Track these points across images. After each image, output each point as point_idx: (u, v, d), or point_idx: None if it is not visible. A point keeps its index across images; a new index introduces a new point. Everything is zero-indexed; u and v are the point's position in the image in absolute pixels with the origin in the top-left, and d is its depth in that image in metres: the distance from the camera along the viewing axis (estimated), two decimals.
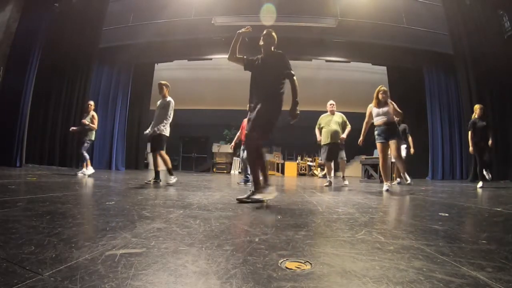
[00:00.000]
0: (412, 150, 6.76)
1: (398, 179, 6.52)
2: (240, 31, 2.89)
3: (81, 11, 8.49)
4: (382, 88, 4.39)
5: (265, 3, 9.06)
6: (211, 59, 11.26)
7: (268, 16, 9.07)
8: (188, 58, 11.32)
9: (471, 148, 5.50)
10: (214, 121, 15.12)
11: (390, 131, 4.32)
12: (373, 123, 4.51)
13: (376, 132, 4.39)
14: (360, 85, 13.18)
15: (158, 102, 4.51)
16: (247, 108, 4.48)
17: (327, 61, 10.95)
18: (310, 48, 9.94)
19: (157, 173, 4.45)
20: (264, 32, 2.88)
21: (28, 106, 7.42)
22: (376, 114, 4.37)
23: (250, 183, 5.09)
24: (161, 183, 4.37)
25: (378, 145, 4.39)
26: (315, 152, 13.86)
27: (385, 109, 4.33)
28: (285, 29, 9.50)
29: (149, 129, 4.42)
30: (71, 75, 8.70)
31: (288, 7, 9.22)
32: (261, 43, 2.87)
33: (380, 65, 11.18)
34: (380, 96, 4.32)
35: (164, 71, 12.42)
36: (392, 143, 4.34)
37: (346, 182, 5.46)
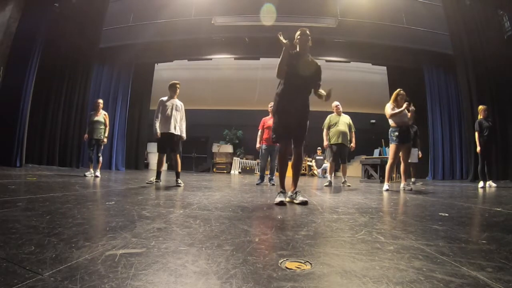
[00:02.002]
0: (420, 154, 6.83)
1: (413, 179, 6.59)
2: (285, 42, 2.69)
3: (81, 11, 8.48)
4: (402, 92, 4.47)
5: (265, 3, 9.06)
6: (211, 59, 11.27)
7: (268, 16, 9.07)
8: (188, 58, 11.32)
9: (478, 148, 5.51)
10: (214, 121, 15.11)
11: (407, 134, 4.45)
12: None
13: (395, 134, 4.40)
14: (360, 85, 13.19)
15: (168, 103, 4.38)
16: (270, 108, 4.56)
17: (327, 61, 10.94)
18: (310, 48, 9.92)
19: (159, 173, 4.46)
20: (303, 31, 2.89)
21: (28, 106, 7.41)
22: (400, 115, 4.41)
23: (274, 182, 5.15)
24: (161, 183, 4.37)
25: (394, 146, 4.43)
26: (315, 152, 13.85)
27: (405, 111, 4.43)
28: (285, 29, 9.50)
29: (158, 128, 4.31)
30: (71, 75, 8.70)
31: (288, 7, 9.21)
32: (302, 41, 2.86)
33: (380, 65, 11.18)
34: (399, 98, 4.42)
35: (164, 71, 12.42)
36: (407, 147, 4.49)
37: (349, 184, 5.47)
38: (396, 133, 4.38)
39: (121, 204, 2.21)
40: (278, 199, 2.52)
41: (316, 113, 3.23)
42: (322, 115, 5.76)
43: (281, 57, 2.65)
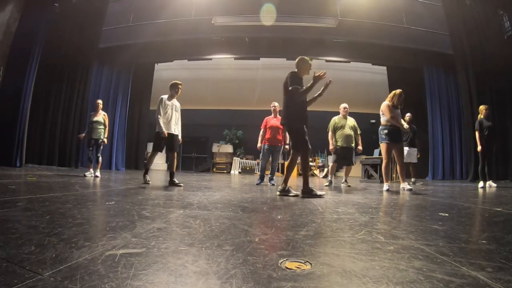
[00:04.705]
0: (418, 154, 6.84)
1: (413, 179, 6.61)
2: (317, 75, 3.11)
3: (81, 11, 8.49)
4: (402, 93, 4.44)
5: (265, 3, 9.06)
6: (211, 59, 11.28)
7: (268, 16, 9.07)
8: (188, 58, 11.34)
9: (479, 147, 5.47)
10: (214, 121, 15.11)
11: (398, 134, 4.40)
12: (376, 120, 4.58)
13: (384, 132, 4.37)
14: (360, 85, 13.19)
15: (169, 103, 4.34)
16: (272, 108, 5.47)
17: (327, 61, 10.95)
18: (310, 48, 9.94)
19: (147, 170, 4.47)
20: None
21: (28, 106, 7.41)
22: (395, 115, 4.39)
23: (273, 182, 5.24)
24: (160, 183, 4.36)
25: (385, 145, 4.39)
26: (315, 153, 13.86)
27: (397, 111, 4.43)
28: (285, 29, 9.51)
29: (164, 129, 4.23)
30: (71, 75, 8.70)
31: (288, 7, 9.22)
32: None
33: (380, 65, 11.19)
34: (397, 99, 4.39)
35: (164, 71, 12.42)
36: (399, 147, 4.45)
37: (349, 184, 5.47)
38: (385, 131, 4.35)
39: (121, 204, 2.21)
40: (320, 192, 3.19)
41: (319, 113, 3.33)
42: (323, 115, 5.73)
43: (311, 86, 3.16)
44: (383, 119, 4.46)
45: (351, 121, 5.61)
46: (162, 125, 4.22)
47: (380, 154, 8.38)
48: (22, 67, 7.25)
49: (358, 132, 5.64)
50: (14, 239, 1.10)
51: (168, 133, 4.29)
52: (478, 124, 5.55)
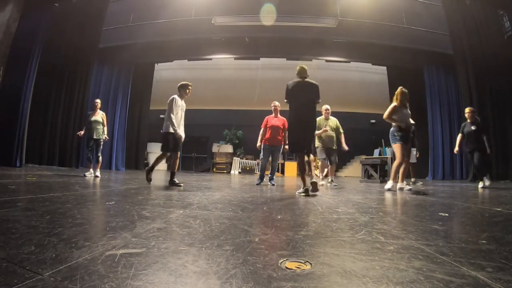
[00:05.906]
0: (417, 154, 6.85)
1: (413, 179, 6.64)
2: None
3: (81, 11, 8.49)
4: (405, 90, 4.46)
5: (265, 3, 9.06)
6: (211, 59, 11.28)
7: (268, 16, 9.07)
8: (188, 58, 11.33)
9: (456, 149, 5.62)
10: (214, 121, 15.11)
11: (409, 135, 4.50)
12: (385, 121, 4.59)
13: (399, 133, 4.41)
14: (360, 85, 13.19)
15: (180, 103, 4.32)
16: (273, 108, 5.62)
17: (327, 61, 10.95)
18: (310, 48, 9.94)
19: (153, 168, 4.46)
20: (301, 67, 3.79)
21: (28, 106, 7.41)
22: (402, 115, 4.42)
23: (274, 182, 5.27)
24: (160, 183, 4.36)
25: (399, 145, 4.43)
26: (314, 153, 13.86)
27: (406, 111, 4.46)
28: (285, 29, 9.51)
29: (172, 129, 4.18)
30: (71, 75, 8.70)
31: (288, 7, 9.22)
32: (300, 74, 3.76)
33: (380, 65, 11.19)
34: (401, 97, 4.42)
35: (164, 71, 12.42)
36: (408, 148, 4.54)
37: (335, 184, 5.55)
38: (400, 133, 4.41)
39: (121, 204, 2.21)
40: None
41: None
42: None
43: None
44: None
45: (333, 122, 5.66)
46: (175, 126, 4.14)
47: (380, 154, 8.40)
48: (22, 67, 7.25)
49: (341, 131, 5.68)
50: (14, 239, 1.10)
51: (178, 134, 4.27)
52: (461, 128, 5.61)
